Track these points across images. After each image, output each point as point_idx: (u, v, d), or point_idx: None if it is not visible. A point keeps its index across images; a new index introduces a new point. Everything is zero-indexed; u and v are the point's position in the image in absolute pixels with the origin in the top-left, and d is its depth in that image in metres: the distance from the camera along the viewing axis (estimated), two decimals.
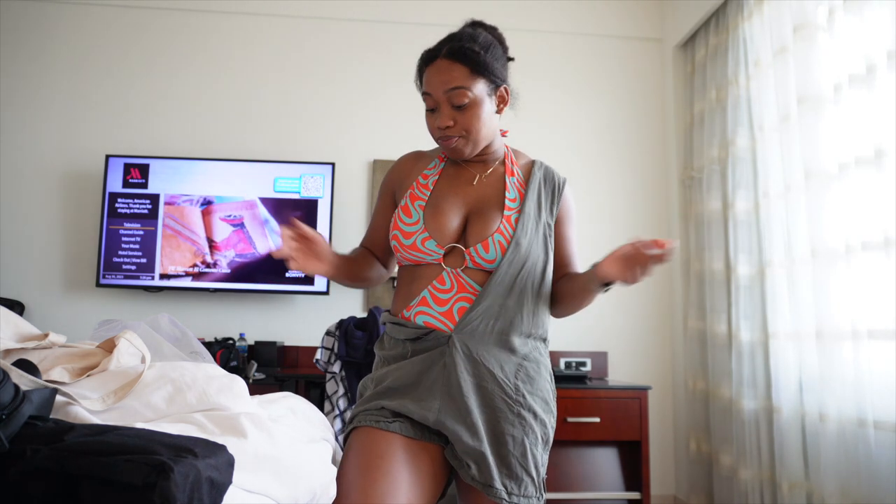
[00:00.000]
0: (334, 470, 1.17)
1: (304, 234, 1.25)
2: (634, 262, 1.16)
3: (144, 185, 3.29)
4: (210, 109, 3.53)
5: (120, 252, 3.24)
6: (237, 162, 3.36)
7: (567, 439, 2.85)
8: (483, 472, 1.23)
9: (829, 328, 2.30)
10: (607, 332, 3.52)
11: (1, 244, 3.34)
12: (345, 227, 3.41)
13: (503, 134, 1.48)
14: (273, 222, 3.31)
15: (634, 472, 2.88)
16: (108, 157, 3.30)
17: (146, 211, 3.27)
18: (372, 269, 1.48)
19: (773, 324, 2.65)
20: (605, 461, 2.91)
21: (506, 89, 1.38)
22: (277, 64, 3.57)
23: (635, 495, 2.85)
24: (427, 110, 1.36)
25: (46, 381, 0.90)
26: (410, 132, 3.52)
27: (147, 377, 0.97)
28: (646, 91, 3.73)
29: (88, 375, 0.98)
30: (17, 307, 3.18)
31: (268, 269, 3.27)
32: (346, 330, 2.48)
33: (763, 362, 2.72)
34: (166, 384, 0.97)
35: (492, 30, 1.42)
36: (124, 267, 3.23)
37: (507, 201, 1.36)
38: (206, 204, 3.30)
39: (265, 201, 3.32)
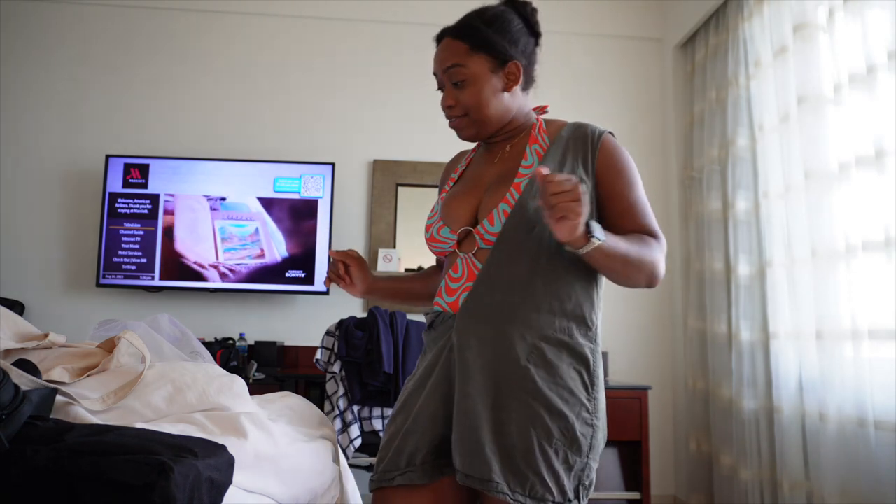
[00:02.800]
0: (335, 468, 1.17)
1: (346, 259, 1.30)
2: (548, 213, 1.04)
3: (144, 185, 3.29)
4: (210, 109, 3.53)
5: (120, 252, 3.24)
6: (237, 162, 3.35)
7: None
8: (479, 465, 1.11)
9: (829, 328, 2.30)
10: (607, 332, 3.52)
11: (1, 244, 3.34)
12: (345, 227, 3.41)
13: (541, 110, 1.38)
14: (273, 222, 3.31)
15: (634, 472, 2.88)
16: (108, 157, 3.30)
17: (146, 211, 3.27)
18: (435, 282, 1.39)
19: (773, 324, 2.65)
20: (605, 461, 2.90)
21: (516, 65, 1.26)
22: (278, 64, 3.57)
23: (635, 495, 2.85)
24: (440, 91, 1.32)
25: (46, 381, 0.90)
26: (411, 132, 3.53)
27: (147, 377, 0.97)
28: (646, 91, 3.73)
29: (88, 375, 0.98)
30: (17, 307, 3.18)
31: (268, 269, 3.27)
32: (346, 330, 2.48)
33: (763, 362, 2.72)
34: (166, 384, 0.97)
35: (520, 5, 1.31)
36: (124, 267, 3.23)
37: (521, 169, 1.24)
38: (210, 205, 3.30)
39: (265, 201, 3.32)
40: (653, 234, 1.24)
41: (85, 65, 3.50)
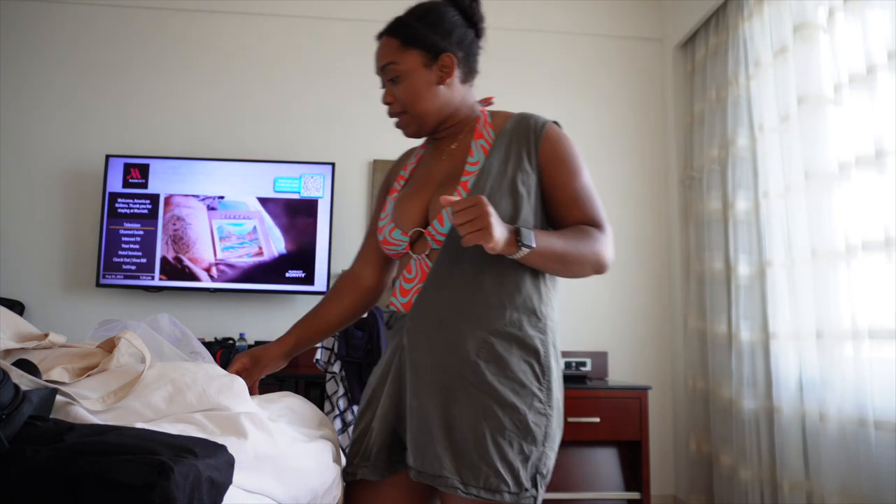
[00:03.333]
0: (336, 469, 1.17)
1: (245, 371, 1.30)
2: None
3: (144, 185, 3.29)
4: (210, 109, 3.53)
5: (120, 252, 3.24)
6: (237, 162, 3.35)
7: (567, 439, 2.82)
8: (431, 461, 1.12)
9: (829, 328, 2.30)
10: (607, 332, 3.52)
11: (1, 244, 3.34)
12: (345, 227, 3.41)
13: (487, 102, 1.38)
14: (270, 219, 3.31)
15: (634, 472, 2.88)
16: (108, 157, 3.30)
17: (146, 211, 3.27)
18: (345, 309, 1.41)
19: (773, 324, 2.65)
20: (605, 461, 2.90)
21: (449, 57, 1.26)
22: (277, 64, 3.57)
23: (635, 495, 2.85)
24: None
25: (46, 381, 0.90)
26: None
27: (147, 377, 0.97)
28: (646, 91, 3.73)
29: (88, 375, 0.98)
30: (17, 307, 3.18)
31: (268, 269, 3.27)
32: (346, 330, 2.48)
33: (763, 362, 2.72)
34: (166, 384, 0.97)
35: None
36: (124, 267, 3.23)
37: (467, 166, 1.24)
38: (207, 204, 3.30)
39: (265, 201, 3.32)
40: (596, 224, 1.25)
41: (85, 65, 3.50)
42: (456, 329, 1.17)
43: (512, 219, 1.19)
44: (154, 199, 3.28)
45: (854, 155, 2.23)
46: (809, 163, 2.44)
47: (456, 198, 1.08)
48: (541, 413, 1.17)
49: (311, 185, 3.33)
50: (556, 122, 1.30)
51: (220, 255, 3.27)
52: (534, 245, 1.11)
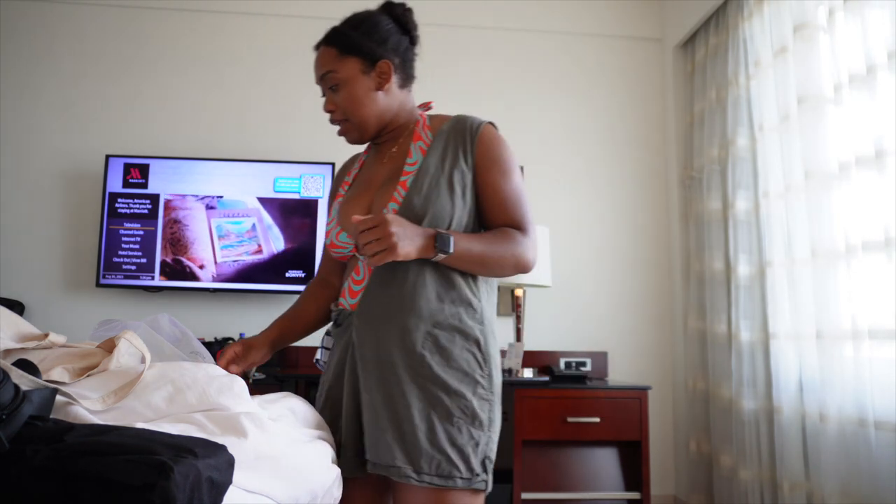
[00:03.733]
0: (335, 470, 1.17)
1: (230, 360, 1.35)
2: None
3: (144, 185, 3.29)
4: (210, 109, 3.53)
5: (120, 252, 3.24)
6: (237, 162, 3.35)
7: (567, 439, 2.85)
8: (383, 453, 1.17)
9: (829, 328, 2.30)
10: (607, 332, 3.52)
11: (1, 244, 3.34)
12: None
13: (426, 107, 1.44)
14: (269, 217, 3.31)
15: (634, 472, 2.88)
16: (108, 157, 3.30)
17: (146, 211, 3.27)
18: (320, 311, 1.46)
19: (773, 324, 2.65)
20: (605, 461, 2.90)
21: (386, 63, 1.31)
22: (277, 64, 3.57)
23: (635, 495, 2.85)
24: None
25: (46, 381, 0.90)
26: None
27: (147, 377, 0.97)
28: (646, 91, 3.73)
29: (88, 375, 0.98)
30: (17, 307, 3.18)
31: (267, 268, 3.27)
32: None
33: (763, 362, 2.72)
34: (166, 384, 0.97)
35: (391, 7, 1.38)
36: (124, 267, 3.23)
37: (406, 167, 1.29)
38: (207, 204, 3.30)
39: (265, 201, 3.32)
40: (521, 226, 1.29)
41: (85, 65, 3.50)
42: (400, 324, 1.22)
43: (448, 216, 1.24)
44: (154, 199, 3.28)
45: (854, 155, 2.23)
46: (809, 163, 2.44)
47: (361, 217, 1.13)
48: (484, 399, 1.23)
49: (311, 185, 3.33)
50: (492, 124, 1.35)
51: (219, 254, 3.27)
52: (451, 251, 1.17)
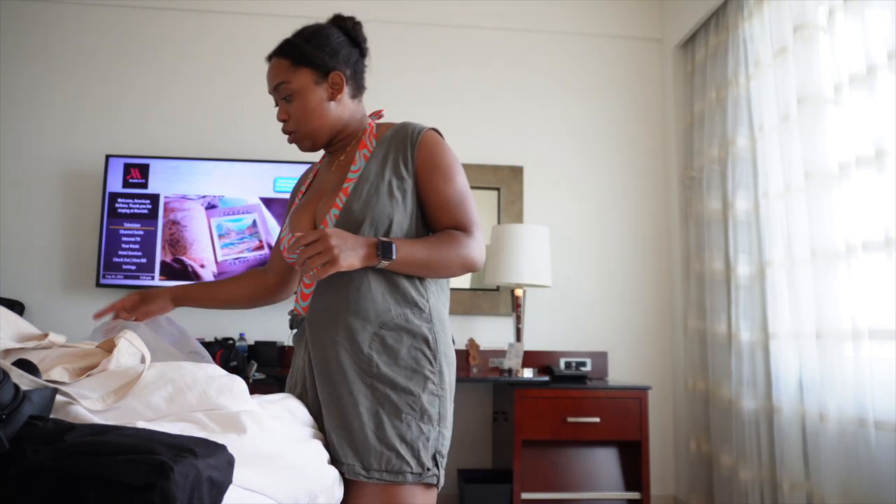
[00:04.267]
0: (334, 470, 1.17)
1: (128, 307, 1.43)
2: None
3: (144, 185, 3.29)
4: (210, 109, 3.53)
5: (120, 252, 3.24)
6: (237, 162, 3.35)
7: (567, 439, 2.85)
8: (334, 451, 1.20)
9: (829, 328, 2.30)
10: (607, 332, 3.52)
11: (1, 244, 3.34)
12: None
13: (377, 115, 1.48)
14: (268, 212, 3.31)
15: (634, 472, 2.88)
16: (108, 157, 3.30)
17: (146, 211, 3.27)
18: (242, 291, 1.55)
19: (773, 324, 2.65)
20: (605, 461, 2.90)
21: (338, 75, 1.35)
22: None
23: (635, 495, 2.85)
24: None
25: (46, 380, 0.90)
26: None
27: (147, 377, 0.97)
28: (646, 91, 3.73)
29: (88, 375, 0.98)
30: (17, 307, 3.18)
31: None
32: None
33: (763, 362, 2.72)
34: (166, 384, 0.97)
35: (341, 20, 1.42)
36: (124, 267, 3.23)
37: (349, 174, 1.33)
38: (207, 204, 3.30)
39: (265, 201, 3.32)
40: (465, 227, 1.31)
41: (85, 65, 3.50)
42: (347, 326, 1.26)
43: (387, 221, 1.28)
44: (154, 199, 3.28)
45: (854, 155, 2.23)
46: (809, 163, 2.44)
47: (300, 234, 1.17)
48: (434, 394, 1.26)
49: None
50: (435, 130, 1.37)
51: (219, 253, 3.27)
52: (394, 258, 1.21)
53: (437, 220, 1.33)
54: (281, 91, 1.35)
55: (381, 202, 1.28)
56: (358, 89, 1.42)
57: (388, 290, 1.27)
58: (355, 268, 1.19)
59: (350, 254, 1.16)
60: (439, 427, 1.25)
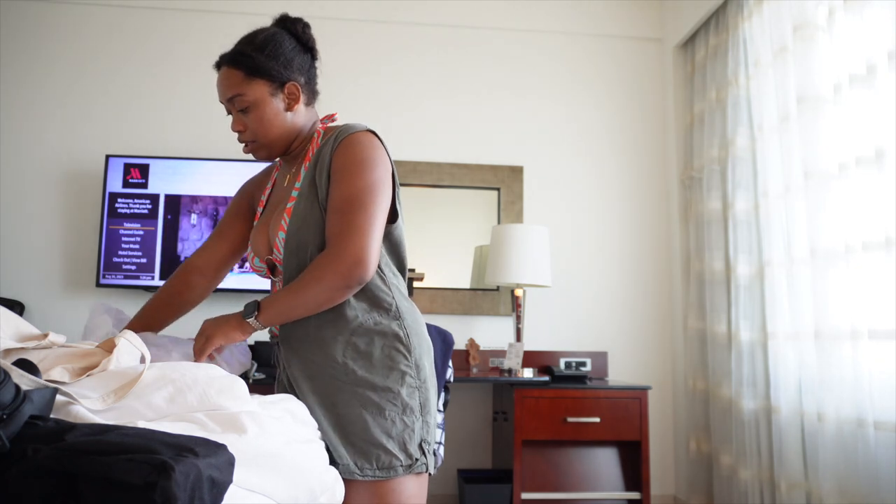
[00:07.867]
0: (334, 471, 1.17)
1: None
2: None
3: (144, 185, 3.29)
4: (210, 109, 3.52)
5: (120, 252, 3.24)
6: (237, 162, 3.35)
7: (567, 439, 2.85)
8: (330, 455, 1.22)
9: (828, 328, 2.30)
10: (607, 332, 3.52)
11: (1, 244, 3.34)
12: None
13: (331, 119, 1.45)
14: None
15: (634, 472, 2.88)
16: (108, 157, 3.30)
17: (146, 211, 3.27)
18: (181, 302, 1.55)
19: (772, 324, 2.65)
20: (605, 461, 2.91)
21: (294, 85, 1.33)
22: None
23: (635, 495, 2.85)
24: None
25: (47, 380, 0.90)
26: (407, 130, 3.53)
27: (147, 377, 0.97)
28: (646, 91, 3.73)
29: (88, 375, 0.98)
30: (17, 307, 3.18)
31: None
32: None
33: (762, 362, 2.72)
34: (167, 384, 0.97)
35: (290, 24, 1.38)
36: (124, 267, 3.23)
37: (293, 192, 1.32)
38: (207, 203, 3.30)
39: None
40: (334, 239, 1.23)
41: (85, 65, 3.50)
42: (320, 338, 1.28)
43: (311, 243, 1.27)
44: (154, 199, 3.28)
45: (853, 155, 2.23)
46: (809, 163, 2.44)
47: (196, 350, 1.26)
48: (413, 387, 1.29)
49: None
50: (370, 131, 1.32)
51: None
52: (251, 318, 1.23)
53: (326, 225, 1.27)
54: (236, 103, 1.31)
55: (309, 222, 1.28)
56: (312, 96, 1.40)
57: (356, 298, 1.29)
58: (233, 339, 1.25)
59: (217, 330, 1.25)
60: (422, 417, 1.29)
